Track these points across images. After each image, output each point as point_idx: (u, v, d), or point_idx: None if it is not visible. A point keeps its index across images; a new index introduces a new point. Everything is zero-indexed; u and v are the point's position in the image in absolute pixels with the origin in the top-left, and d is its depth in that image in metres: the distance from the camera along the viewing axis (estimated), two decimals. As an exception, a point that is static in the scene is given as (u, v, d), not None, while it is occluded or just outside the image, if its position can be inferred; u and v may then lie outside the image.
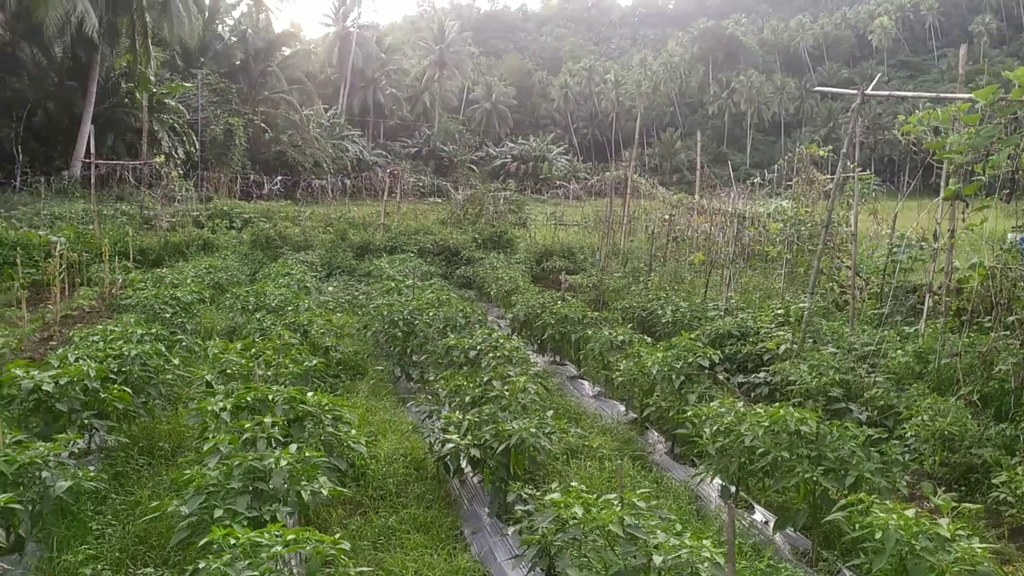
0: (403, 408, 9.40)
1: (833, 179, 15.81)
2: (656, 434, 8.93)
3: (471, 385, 7.36)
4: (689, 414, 6.98)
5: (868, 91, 10.23)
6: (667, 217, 17.13)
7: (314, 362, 7.76)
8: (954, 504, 5.75)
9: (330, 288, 16.34)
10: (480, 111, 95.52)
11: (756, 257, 16.22)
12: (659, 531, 4.22)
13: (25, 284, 13.74)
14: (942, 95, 9.44)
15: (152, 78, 42.31)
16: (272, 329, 9.75)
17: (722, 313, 12.68)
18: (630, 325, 14.11)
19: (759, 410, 6.60)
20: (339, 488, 5.27)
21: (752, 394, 10.88)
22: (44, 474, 4.74)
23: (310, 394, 6.27)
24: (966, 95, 8.35)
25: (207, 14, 59.20)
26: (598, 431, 8.60)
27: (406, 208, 30.44)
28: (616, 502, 4.56)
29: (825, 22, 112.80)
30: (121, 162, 34.74)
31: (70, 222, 21.88)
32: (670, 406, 8.11)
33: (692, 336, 11.82)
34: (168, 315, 10.55)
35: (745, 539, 6.04)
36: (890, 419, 8.58)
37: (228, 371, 7.16)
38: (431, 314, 10.49)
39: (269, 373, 6.86)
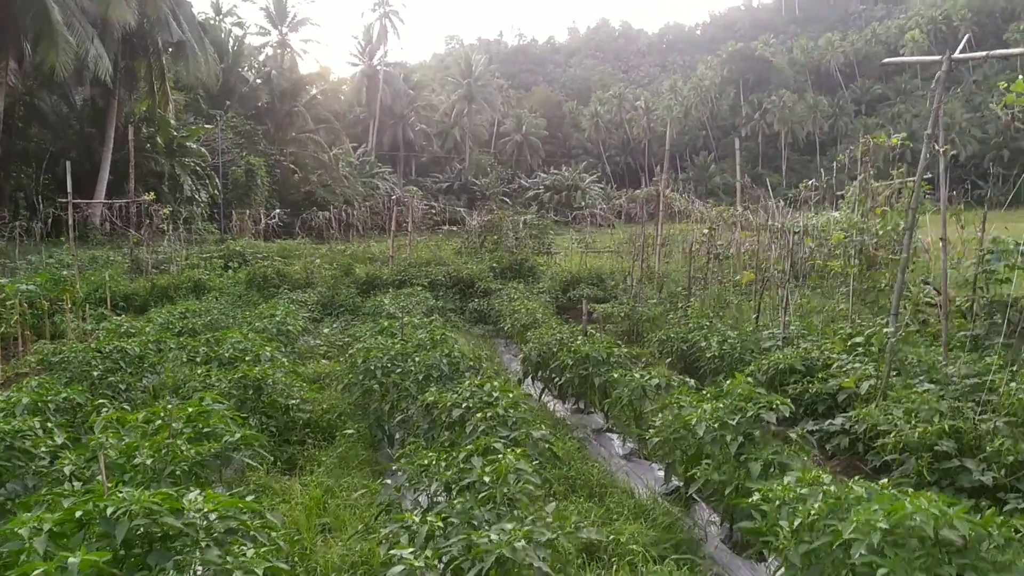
0: (380, 484, 7.30)
1: (890, 185, 13.57)
2: (707, 509, 6.73)
3: (443, 463, 5.26)
4: (755, 498, 4.79)
5: (956, 55, 8.08)
6: (705, 232, 14.94)
7: (237, 435, 5.69)
8: None
9: (326, 330, 14.38)
10: (511, 143, 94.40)
11: (812, 275, 13.90)
12: None
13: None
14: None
15: (172, 121, 41.43)
16: (218, 386, 7.81)
17: (780, 343, 10.41)
18: (669, 360, 11.93)
19: (857, 489, 4.44)
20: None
21: (827, 446, 8.62)
22: None
23: (193, 495, 4.25)
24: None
25: (231, 57, 58.84)
26: (629, 512, 6.41)
27: (420, 240, 28.60)
28: None
29: (855, 39, 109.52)
30: (101, 201, 33.35)
31: (70, 269, 20.20)
32: (726, 479, 5.91)
33: (746, 373, 9.66)
34: (97, 373, 8.58)
35: None
36: (1022, 479, 6.33)
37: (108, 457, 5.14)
38: (418, 360, 8.42)
39: (149, 462, 4.83)
